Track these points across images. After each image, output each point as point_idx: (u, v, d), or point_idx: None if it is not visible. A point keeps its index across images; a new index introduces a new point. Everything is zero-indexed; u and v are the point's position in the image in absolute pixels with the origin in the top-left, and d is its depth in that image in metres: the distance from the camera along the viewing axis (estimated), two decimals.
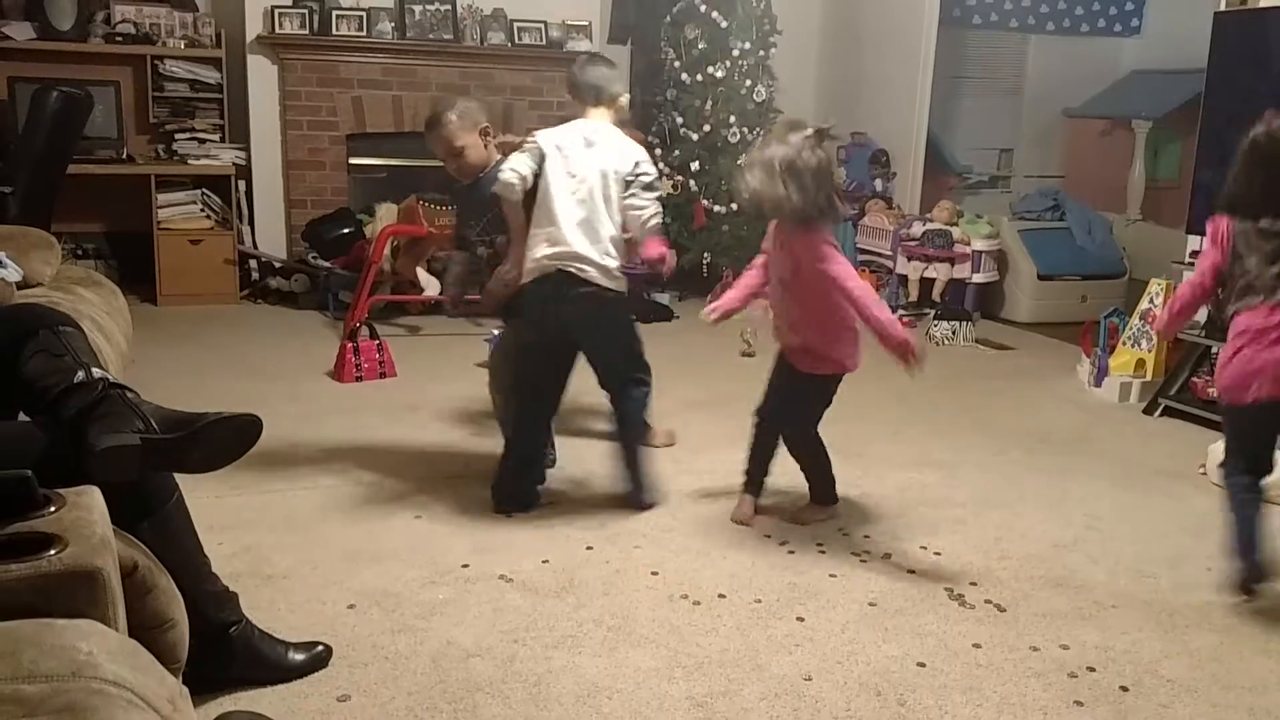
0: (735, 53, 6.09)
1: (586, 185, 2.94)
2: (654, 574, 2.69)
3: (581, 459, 3.53)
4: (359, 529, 2.89)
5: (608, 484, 3.29)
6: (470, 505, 3.09)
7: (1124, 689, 2.24)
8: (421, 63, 5.98)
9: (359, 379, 4.33)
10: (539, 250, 2.95)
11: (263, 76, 5.82)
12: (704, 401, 4.30)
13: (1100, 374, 4.60)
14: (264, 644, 2.11)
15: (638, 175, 2.99)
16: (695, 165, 6.12)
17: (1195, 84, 4.93)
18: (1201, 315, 4.46)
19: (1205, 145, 4.32)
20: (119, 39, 5.65)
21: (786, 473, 3.13)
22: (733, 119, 6.10)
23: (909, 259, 6.10)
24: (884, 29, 6.77)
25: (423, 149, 5.26)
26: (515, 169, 2.96)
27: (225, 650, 2.04)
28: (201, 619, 1.87)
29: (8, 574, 1.32)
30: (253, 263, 5.89)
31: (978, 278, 5.98)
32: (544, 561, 2.73)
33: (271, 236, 5.97)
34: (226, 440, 1.81)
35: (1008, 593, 2.66)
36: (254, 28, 5.74)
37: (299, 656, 2.16)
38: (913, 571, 2.77)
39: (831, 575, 2.72)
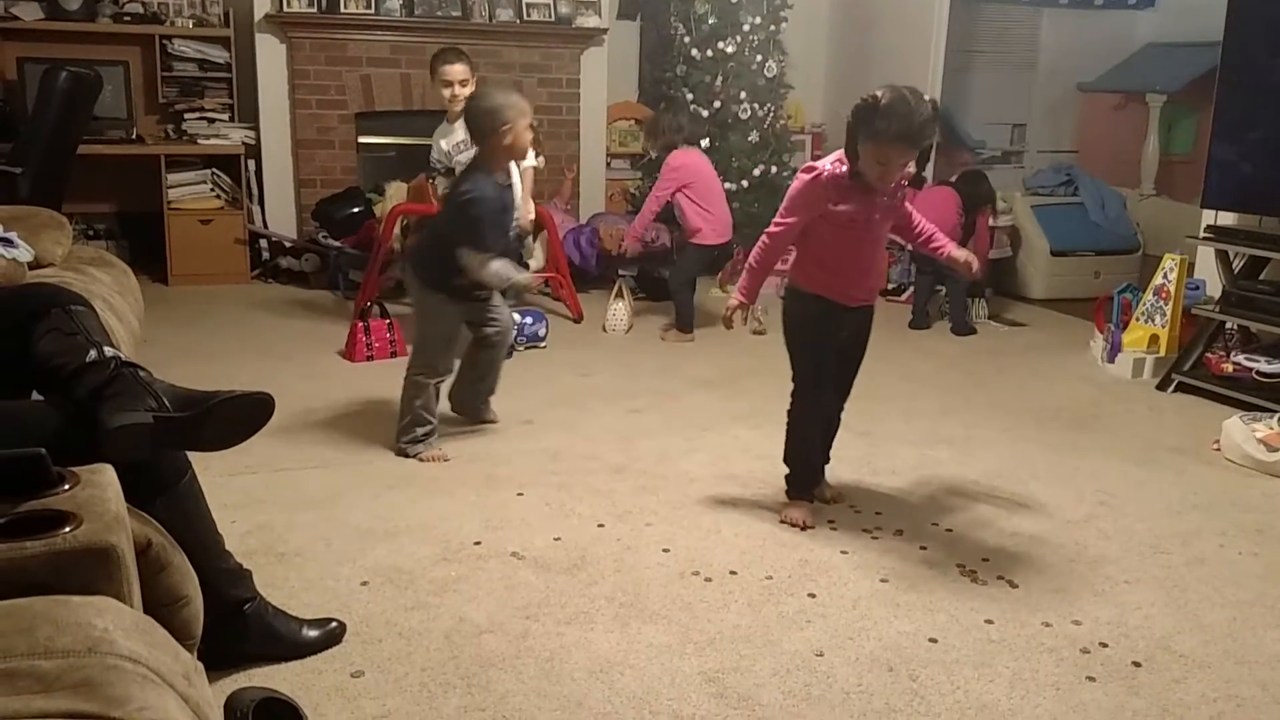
0: (746, 28, 6.04)
1: None
2: (665, 551, 2.69)
3: (593, 441, 3.53)
4: (371, 507, 2.90)
5: (619, 461, 3.29)
6: (482, 483, 3.10)
7: (1136, 664, 2.24)
8: (430, 40, 5.93)
9: (370, 358, 4.34)
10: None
11: (271, 55, 5.80)
12: (714, 380, 4.29)
13: (1113, 350, 4.57)
14: (278, 620, 2.12)
15: None
16: (705, 142, 6.08)
17: (1210, 57, 4.88)
18: (1215, 290, 4.43)
19: (1220, 119, 4.27)
20: (127, 19, 5.64)
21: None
22: (743, 94, 6.06)
23: None
24: (895, 3, 6.71)
25: (432, 127, 5.25)
26: None
27: (239, 627, 2.05)
28: (215, 596, 1.88)
29: (23, 551, 1.32)
30: (263, 242, 5.89)
31: (991, 253, 5.94)
32: (555, 539, 2.74)
33: (281, 216, 5.97)
34: (238, 419, 1.81)
35: (1020, 569, 2.66)
36: (262, 6, 5.72)
37: (313, 633, 2.17)
38: (924, 548, 2.76)
39: (843, 552, 2.72)
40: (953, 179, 5.57)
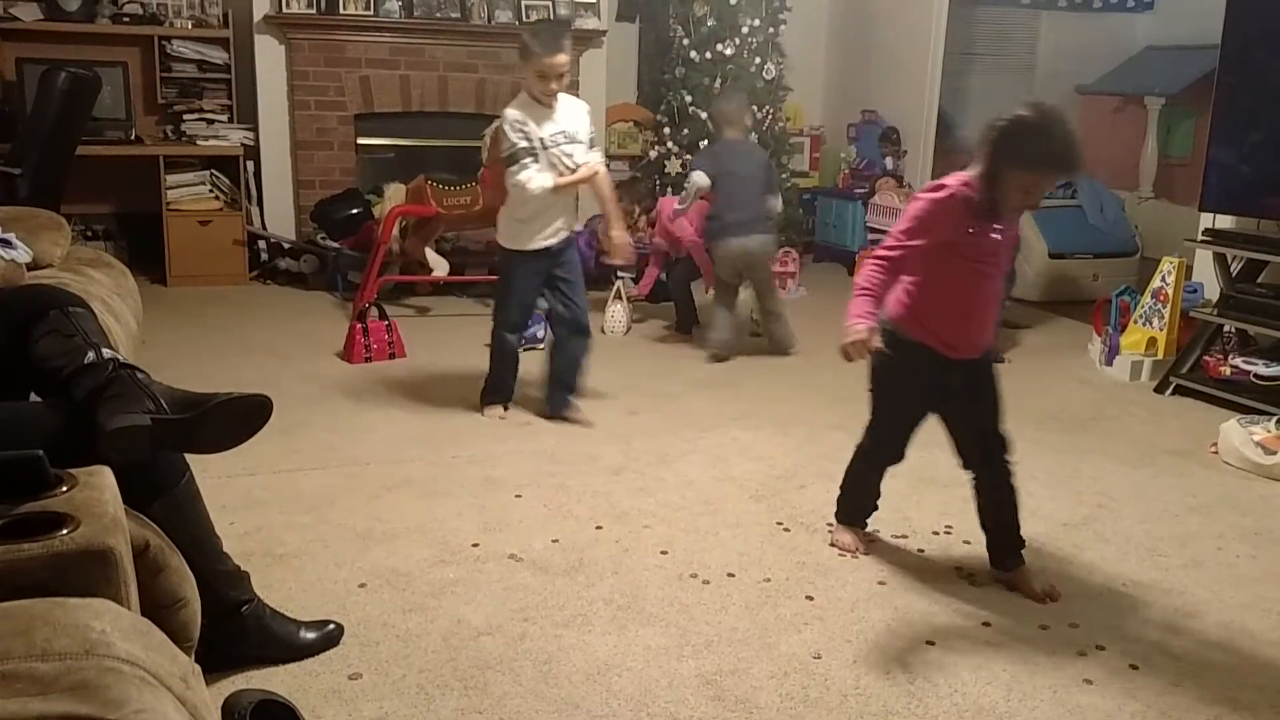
0: (744, 30, 6.05)
1: None
2: (663, 553, 2.69)
3: (591, 443, 3.53)
4: (369, 509, 2.90)
5: (617, 463, 3.29)
6: (480, 485, 3.10)
7: (1133, 667, 2.24)
8: (429, 42, 5.95)
9: (368, 359, 4.34)
10: None
11: (270, 56, 5.80)
12: (712, 381, 4.29)
13: (1111, 352, 4.58)
14: (275, 622, 2.12)
15: None
16: (704, 144, 6.09)
17: (1209, 60, 4.88)
18: (1213, 293, 4.43)
19: (1219, 122, 4.27)
20: (126, 19, 5.64)
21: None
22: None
23: None
24: (894, 5, 6.72)
25: (431, 129, 5.26)
26: None
27: (237, 629, 2.05)
28: (213, 598, 1.88)
29: (20, 553, 1.32)
30: (262, 243, 5.89)
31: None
32: (553, 541, 2.74)
33: (280, 217, 5.97)
34: (237, 420, 1.81)
35: None
36: (261, 7, 5.72)
37: (310, 635, 2.17)
38: (922, 551, 2.77)
39: (840, 554, 2.72)
40: None
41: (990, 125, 2.35)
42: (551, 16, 6.13)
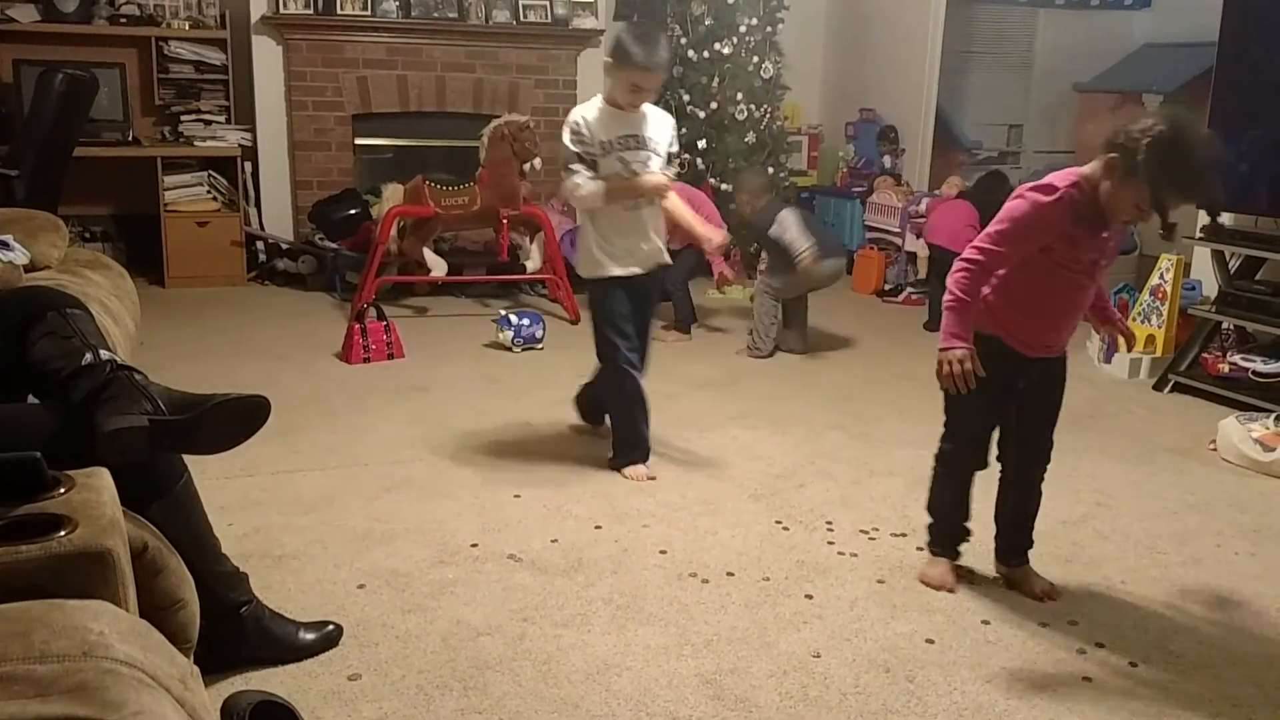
0: (742, 29, 6.05)
1: None
2: (662, 553, 2.69)
3: (590, 443, 3.53)
4: (368, 509, 2.90)
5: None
6: (479, 485, 3.10)
7: (1133, 665, 2.24)
8: (426, 42, 5.95)
9: (367, 360, 4.34)
10: None
11: (267, 57, 5.80)
12: (712, 380, 4.29)
13: (1110, 350, 4.58)
14: (274, 624, 2.12)
15: None
16: (702, 143, 6.10)
17: (1207, 57, 4.88)
18: (1212, 290, 4.44)
19: (1217, 119, 4.27)
20: (123, 21, 5.64)
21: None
22: (740, 96, 6.07)
23: (918, 236, 6.07)
24: (892, 4, 6.72)
25: (428, 129, 5.25)
26: None
27: (236, 630, 2.04)
28: (212, 599, 1.87)
29: (18, 555, 1.32)
30: (260, 244, 5.89)
31: None
32: (553, 541, 2.74)
33: (278, 218, 5.97)
34: (235, 421, 1.81)
35: None
36: (258, 8, 5.72)
37: (309, 636, 2.16)
38: (921, 549, 2.76)
39: (840, 553, 2.72)
40: (969, 186, 5.56)
41: (1122, 129, 2.14)
42: (549, 15, 6.13)
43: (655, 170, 3.14)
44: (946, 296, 2.32)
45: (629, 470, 3.19)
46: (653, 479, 3.17)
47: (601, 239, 3.13)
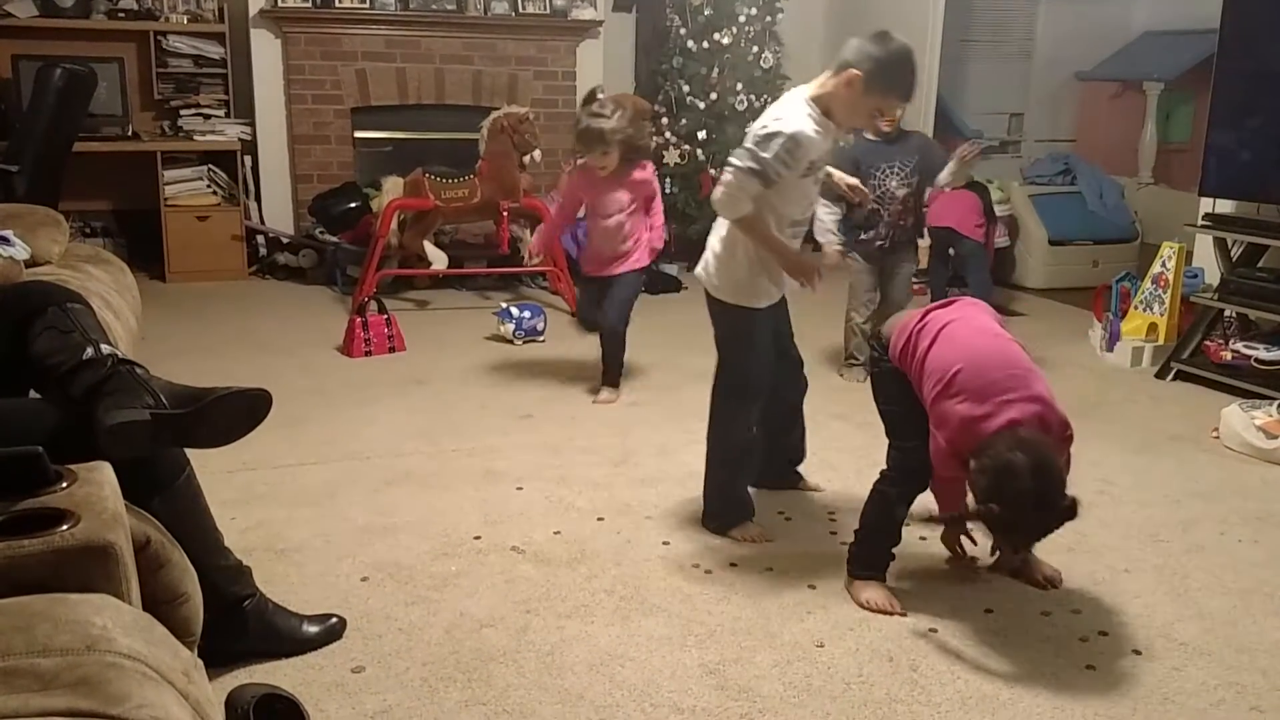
0: (741, 19, 6.03)
1: None
2: (665, 544, 2.69)
3: (592, 434, 3.53)
4: (371, 502, 2.90)
5: (618, 454, 3.29)
6: (481, 477, 3.10)
7: (1136, 653, 2.24)
8: (425, 34, 5.93)
9: (368, 353, 4.33)
10: None
11: (266, 51, 5.79)
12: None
13: (1112, 339, 4.57)
14: (278, 617, 2.12)
15: None
16: (702, 134, 6.08)
17: (1207, 45, 4.87)
18: (1214, 278, 4.43)
19: (1218, 107, 4.26)
20: (121, 15, 5.62)
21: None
22: (739, 86, 6.05)
23: None
24: None
25: (428, 122, 5.24)
26: None
27: (239, 623, 2.05)
28: (215, 593, 1.88)
29: (21, 549, 1.32)
30: (260, 238, 5.88)
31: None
32: (555, 533, 2.74)
33: (278, 212, 5.96)
34: (237, 415, 1.81)
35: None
36: (256, 1, 5.70)
37: (313, 629, 2.17)
38: (924, 538, 2.76)
39: (843, 544, 2.72)
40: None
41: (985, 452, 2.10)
42: (548, 7, 6.11)
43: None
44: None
45: (736, 532, 2.73)
46: (770, 541, 2.73)
47: (763, 264, 2.66)
